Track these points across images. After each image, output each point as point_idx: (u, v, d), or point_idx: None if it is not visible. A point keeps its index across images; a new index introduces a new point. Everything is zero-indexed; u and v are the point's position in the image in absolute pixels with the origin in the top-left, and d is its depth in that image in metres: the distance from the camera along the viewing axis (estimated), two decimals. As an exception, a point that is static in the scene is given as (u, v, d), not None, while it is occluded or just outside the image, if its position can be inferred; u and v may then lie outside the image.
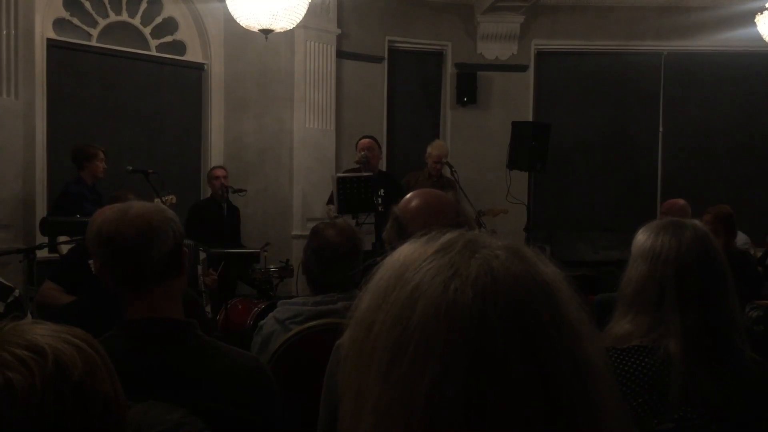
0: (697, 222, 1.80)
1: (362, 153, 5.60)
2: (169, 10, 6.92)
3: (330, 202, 5.68)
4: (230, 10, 5.56)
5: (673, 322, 1.61)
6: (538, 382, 0.64)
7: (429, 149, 6.39)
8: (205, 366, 1.57)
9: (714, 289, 1.65)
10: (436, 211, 1.82)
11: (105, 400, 0.88)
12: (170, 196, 5.24)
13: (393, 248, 0.74)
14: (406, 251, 0.72)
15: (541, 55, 8.17)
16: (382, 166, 6.80)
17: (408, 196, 1.92)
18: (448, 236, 0.71)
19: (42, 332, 0.87)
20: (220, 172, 6.26)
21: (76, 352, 0.87)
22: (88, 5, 6.39)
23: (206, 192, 6.77)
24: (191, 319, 1.65)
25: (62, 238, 4.59)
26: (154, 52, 6.82)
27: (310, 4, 5.66)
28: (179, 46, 7.01)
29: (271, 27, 5.48)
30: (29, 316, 2.36)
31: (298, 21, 5.64)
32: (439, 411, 0.63)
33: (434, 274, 0.67)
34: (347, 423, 0.70)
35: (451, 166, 6.37)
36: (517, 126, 7.07)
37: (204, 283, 4.49)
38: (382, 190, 5.23)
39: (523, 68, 8.07)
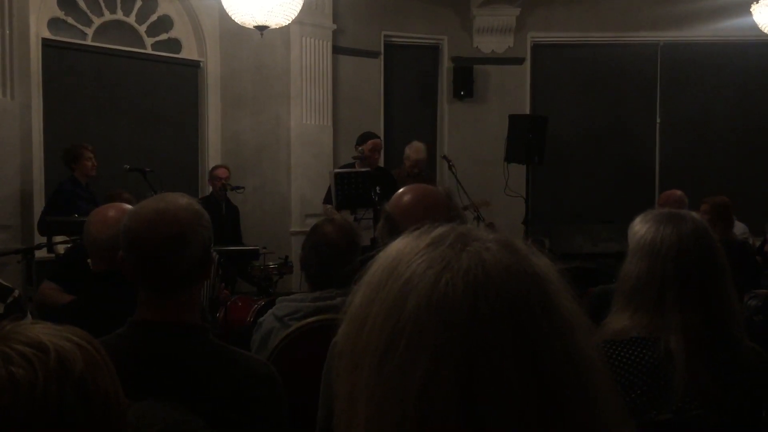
0: (695, 214, 1.79)
1: (376, 155, 5.59)
2: (164, 7, 6.91)
3: (327, 201, 5.66)
4: (225, 7, 5.55)
5: (673, 318, 1.60)
6: (530, 373, 0.64)
7: (407, 151, 6.09)
8: (215, 370, 1.56)
9: (714, 282, 1.64)
10: (427, 207, 1.82)
11: (106, 397, 0.89)
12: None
13: (386, 245, 0.74)
14: (398, 246, 0.72)
15: (537, 47, 8.16)
16: (381, 161, 6.80)
17: (398, 192, 1.91)
18: (440, 230, 0.72)
19: (43, 330, 0.88)
20: (221, 173, 6.25)
21: (78, 350, 0.87)
22: (82, 4, 6.38)
23: (205, 190, 6.78)
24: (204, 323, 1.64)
25: (59, 238, 4.59)
26: (149, 51, 6.81)
27: (305, 0, 5.66)
28: (175, 44, 7.00)
29: (267, 23, 5.47)
30: (29, 316, 2.36)
31: (294, 17, 5.63)
32: (432, 404, 0.63)
33: (426, 268, 0.67)
34: (343, 418, 0.70)
35: (449, 161, 6.36)
36: (514, 119, 7.07)
37: (218, 295, 4.54)
38: (378, 187, 5.21)
39: (519, 61, 8.07)
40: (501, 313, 0.65)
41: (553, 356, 0.65)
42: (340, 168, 5.48)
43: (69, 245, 4.05)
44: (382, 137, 7.46)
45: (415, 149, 6.12)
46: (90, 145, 5.46)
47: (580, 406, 0.66)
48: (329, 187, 5.67)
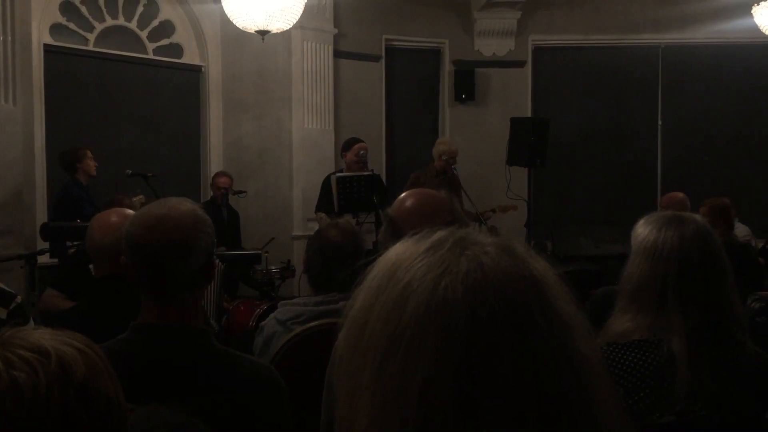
0: (698, 216, 1.79)
1: (362, 152, 5.54)
2: (165, 13, 6.93)
3: (319, 208, 5.64)
4: (226, 12, 5.56)
5: (675, 320, 1.60)
6: (530, 376, 0.64)
7: (442, 147, 6.06)
8: (218, 374, 1.56)
9: (716, 285, 1.64)
10: (430, 210, 1.82)
11: (107, 401, 0.89)
12: (139, 197, 5.02)
13: (388, 249, 0.74)
14: (397, 250, 0.72)
15: (538, 50, 8.17)
16: (382, 164, 6.80)
17: (401, 196, 1.91)
18: (439, 234, 0.72)
19: (43, 335, 0.88)
20: (223, 182, 6.24)
21: (79, 354, 0.87)
22: (84, 10, 6.40)
23: (207, 195, 6.78)
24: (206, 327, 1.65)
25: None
26: (151, 56, 6.83)
27: (306, 4, 5.66)
28: (176, 49, 7.02)
29: (268, 28, 5.48)
30: (31, 322, 2.36)
31: (295, 21, 5.64)
32: (432, 407, 0.63)
33: (425, 272, 0.67)
34: (343, 422, 0.70)
35: (451, 164, 6.35)
36: (516, 122, 7.07)
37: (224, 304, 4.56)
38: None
39: (520, 64, 8.07)
40: (500, 316, 0.65)
41: (552, 359, 0.66)
42: (338, 173, 5.45)
43: (72, 250, 4.05)
44: (383, 141, 7.49)
45: (447, 142, 6.08)
46: (87, 147, 5.45)
47: (579, 408, 0.66)
48: (320, 194, 5.66)
